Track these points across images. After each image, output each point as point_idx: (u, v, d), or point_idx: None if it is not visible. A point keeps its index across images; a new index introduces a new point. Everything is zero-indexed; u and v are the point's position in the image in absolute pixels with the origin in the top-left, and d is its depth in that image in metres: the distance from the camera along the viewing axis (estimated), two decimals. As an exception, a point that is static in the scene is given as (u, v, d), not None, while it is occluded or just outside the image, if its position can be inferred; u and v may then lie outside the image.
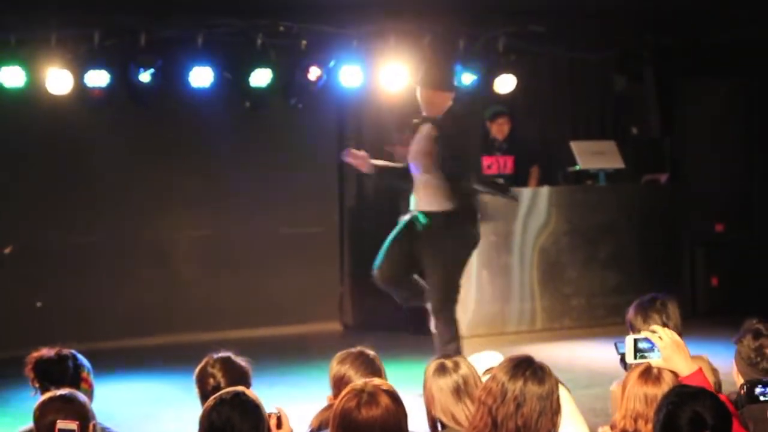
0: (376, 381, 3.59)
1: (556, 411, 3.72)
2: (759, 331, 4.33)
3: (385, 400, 3.47)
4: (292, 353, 10.08)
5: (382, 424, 3.44)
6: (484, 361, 4.52)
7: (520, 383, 3.68)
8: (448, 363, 4.26)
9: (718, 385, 4.57)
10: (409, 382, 8.18)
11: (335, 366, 4.54)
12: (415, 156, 8.19)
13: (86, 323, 10.39)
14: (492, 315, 10.67)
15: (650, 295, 4.97)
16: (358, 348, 4.61)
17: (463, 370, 4.23)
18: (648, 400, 3.97)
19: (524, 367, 3.71)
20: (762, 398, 3.95)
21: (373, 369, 4.48)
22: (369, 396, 3.46)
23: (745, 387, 4.01)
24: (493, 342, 9.69)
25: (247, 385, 4.42)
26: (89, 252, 10.66)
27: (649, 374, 4.04)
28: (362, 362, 4.50)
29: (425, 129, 8.20)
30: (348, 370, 4.47)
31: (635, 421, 3.98)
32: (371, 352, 4.59)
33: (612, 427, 4.11)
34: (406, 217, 8.26)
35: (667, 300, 4.91)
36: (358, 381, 3.63)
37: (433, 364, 4.30)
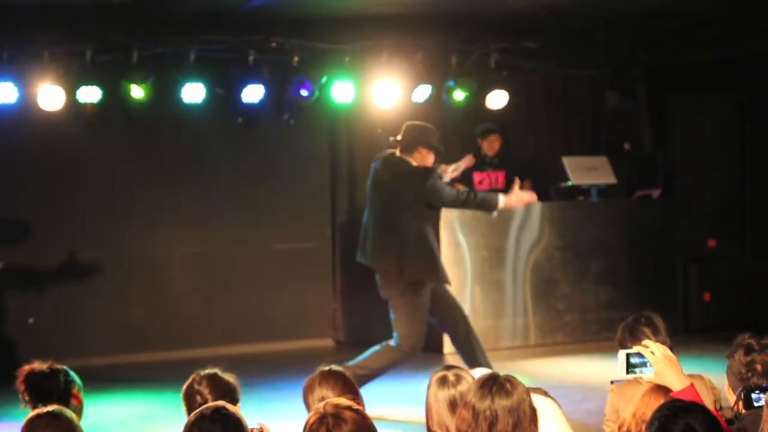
0: (330, 401, 3.55)
1: (532, 418, 3.71)
2: (750, 347, 4.32)
3: (348, 413, 3.44)
4: (285, 369, 10.04)
5: None
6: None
7: (488, 401, 3.68)
8: (451, 376, 4.25)
9: (719, 403, 4.54)
10: (405, 395, 8.22)
11: (308, 395, 4.44)
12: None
13: (77, 340, 10.36)
14: (485, 330, 10.62)
15: (633, 315, 4.97)
16: (319, 368, 4.53)
17: (463, 386, 4.19)
18: None
19: (490, 385, 3.71)
20: (756, 404, 3.95)
21: (344, 381, 4.42)
22: (333, 417, 3.42)
23: (742, 393, 3.99)
24: (486, 358, 9.67)
25: (235, 401, 4.38)
26: (82, 268, 10.62)
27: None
28: (330, 379, 4.43)
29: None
30: (324, 392, 4.38)
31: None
32: (335, 367, 4.52)
33: (619, 427, 4.08)
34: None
35: (651, 315, 4.91)
36: (316, 407, 3.54)
37: (438, 373, 4.29)
